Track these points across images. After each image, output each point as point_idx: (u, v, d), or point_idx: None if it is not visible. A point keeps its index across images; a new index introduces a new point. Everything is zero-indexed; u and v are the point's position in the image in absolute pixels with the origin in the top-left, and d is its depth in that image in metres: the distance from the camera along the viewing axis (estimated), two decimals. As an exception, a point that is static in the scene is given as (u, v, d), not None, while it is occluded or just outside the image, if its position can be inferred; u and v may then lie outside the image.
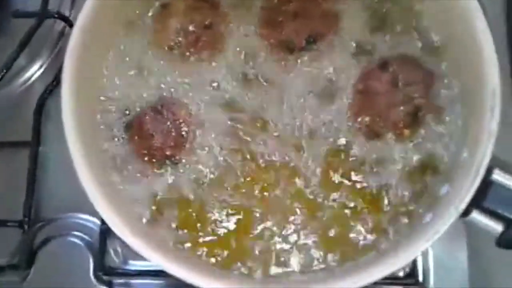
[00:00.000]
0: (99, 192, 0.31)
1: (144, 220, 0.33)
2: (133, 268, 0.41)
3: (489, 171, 0.28)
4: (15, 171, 0.43)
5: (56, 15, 0.43)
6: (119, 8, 0.35)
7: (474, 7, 0.30)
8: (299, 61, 0.35)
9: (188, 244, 0.33)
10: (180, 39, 0.36)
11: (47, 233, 0.42)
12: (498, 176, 0.29)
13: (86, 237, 0.42)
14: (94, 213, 0.41)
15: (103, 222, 0.40)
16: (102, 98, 0.35)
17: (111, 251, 0.41)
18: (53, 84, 0.44)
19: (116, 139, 0.35)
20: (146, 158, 0.34)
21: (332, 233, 0.33)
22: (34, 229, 0.42)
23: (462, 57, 0.31)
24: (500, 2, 0.44)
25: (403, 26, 0.34)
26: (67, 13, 0.46)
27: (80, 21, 0.32)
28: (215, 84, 0.35)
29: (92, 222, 0.42)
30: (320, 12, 0.36)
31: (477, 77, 0.29)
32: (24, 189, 0.42)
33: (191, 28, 0.36)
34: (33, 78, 0.46)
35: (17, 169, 0.43)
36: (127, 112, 0.35)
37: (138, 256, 0.40)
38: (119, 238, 0.40)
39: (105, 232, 0.40)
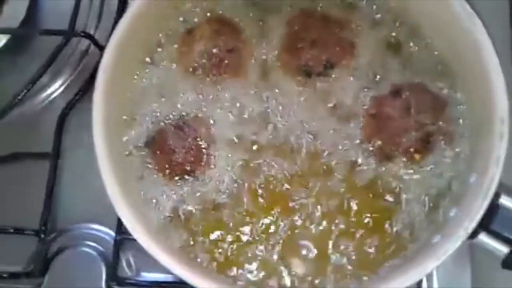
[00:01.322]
0: (122, 200, 0.32)
1: (159, 222, 0.35)
2: (145, 279, 0.42)
3: (496, 195, 0.30)
4: (33, 181, 0.44)
5: (83, 34, 0.45)
6: (149, 30, 0.37)
7: (484, 39, 0.32)
8: (316, 85, 0.37)
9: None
10: (203, 61, 0.38)
11: (61, 243, 0.43)
12: (504, 200, 0.30)
13: (99, 247, 0.43)
14: (108, 224, 0.43)
15: (117, 233, 0.42)
16: (128, 114, 0.37)
17: (124, 262, 0.42)
18: (75, 100, 0.46)
19: (139, 152, 0.36)
20: (167, 172, 0.36)
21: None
22: (49, 238, 0.43)
23: (473, 86, 0.33)
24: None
25: (417, 56, 0.36)
26: (91, 32, 0.47)
27: (115, 39, 0.34)
28: (235, 104, 0.37)
29: (106, 233, 0.43)
30: (336, 40, 0.38)
31: (486, 105, 0.31)
32: (41, 199, 0.43)
33: (214, 51, 0.38)
34: (55, 94, 0.47)
35: (36, 179, 0.44)
36: (150, 127, 0.37)
37: (151, 268, 0.42)
38: (132, 249, 0.42)
39: (119, 243, 0.42)
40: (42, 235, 0.42)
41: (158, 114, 0.37)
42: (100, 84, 0.33)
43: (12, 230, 0.43)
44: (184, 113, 0.37)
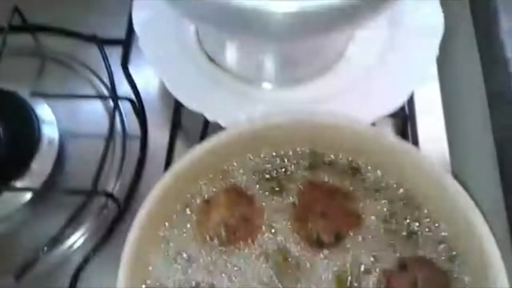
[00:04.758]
0: None
1: None
2: None
3: None
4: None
5: (105, 194, 0.48)
6: (170, 202, 0.40)
7: (480, 222, 0.35)
8: (327, 255, 0.39)
9: None
10: (220, 229, 0.40)
11: None
12: None
13: None
14: None
15: None
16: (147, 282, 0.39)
17: None
18: (91, 254, 0.48)
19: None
20: None
21: None
22: None
23: (475, 264, 0.36)
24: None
25: (422, 237, 0.39)
26: (110, 188, 0.51)
27: (146, 207, 0.36)
28: (249, 271, 0.39)
29: None
30: (344, 212, 0.41)
31: (487, 278, 0.33)
32: None
33: (230, 220, 0.40)
34: (73, 247, 0.49)
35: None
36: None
37: None
38: None
39: None
40: None
41: (174, 280, 0.39)
42: (125, 259, 0.36)
43: None
44: (200, 278, 0.39)
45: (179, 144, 0.53)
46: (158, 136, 0.53)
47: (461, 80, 0.54)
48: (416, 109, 0.51)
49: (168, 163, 0.50)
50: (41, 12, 0.60)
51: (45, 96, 0.52)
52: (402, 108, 0.49)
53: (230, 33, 0.40)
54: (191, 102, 0.47)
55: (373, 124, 0.46)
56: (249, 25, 0.33)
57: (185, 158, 0.39)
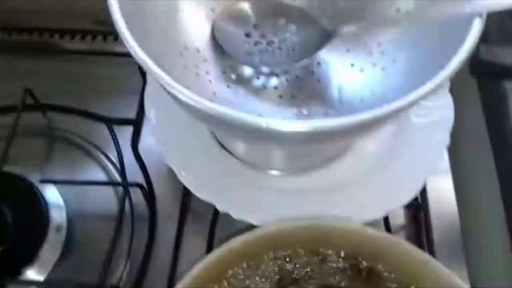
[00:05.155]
0: None
1: None
2: None
3: None
4: None
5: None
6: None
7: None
8: None
9: None
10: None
11: None
12: None
13: None
14: None
15: None
16: None
17: None
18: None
19: None
20: None
21: None
22: None
23: None
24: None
25: None
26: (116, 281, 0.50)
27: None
28: None
29: None
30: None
31: None
32: None
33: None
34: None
35: None
36: None
37: None
38: None
39: None
40: None
41: None
42: None
43: None
44: None
45: (188, 229, 0.52)
46: (167, 219, 0.53)
47: (472, 165, 0.54)
48: (428, 197, 0.51)
49: (175, 256, 0.49)
50: (53, 92, 0.60)
51: (54, 182, 0.52)
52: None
53: (242, 139, 0.40)
54: (202, 192, 0.46)
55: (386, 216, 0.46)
56: (261, 137, 0.33)
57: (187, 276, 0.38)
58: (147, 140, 0.57)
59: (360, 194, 0.46)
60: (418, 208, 0.50)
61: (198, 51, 0.46)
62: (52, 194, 0.53)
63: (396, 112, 0.30)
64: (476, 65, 0.53)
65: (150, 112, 0.50)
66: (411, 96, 0.30)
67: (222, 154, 0.49)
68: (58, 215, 0.51)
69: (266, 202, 0.46)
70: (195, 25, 0.46)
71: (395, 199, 0.45)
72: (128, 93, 0.60)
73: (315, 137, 0.33)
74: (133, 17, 0.36)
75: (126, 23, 0.33)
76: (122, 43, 0.32)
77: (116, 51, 0.63)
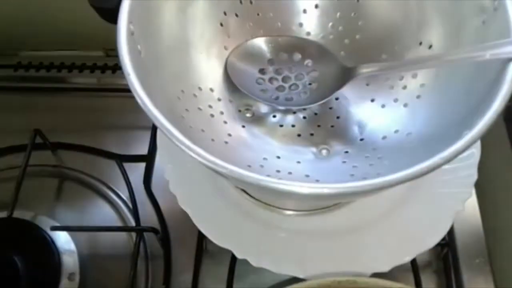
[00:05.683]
0: None
1: None
2: None
3: None
4: None
5: None
6: None
7: None
8: None
9: None
10: None
11: None
12: None
13: None
14: None
15: None
16: None
17: None
18: None
19: None
20: None
21: None
22: None
23: None
24: None
25: None
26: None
27: None
28: None
29: None
30: None
31: None
32: None
33: None
34: None
35: None
36: None
37: None
38: None
39: None
40: None
41: None
42: None
43: None
44: None
45: (205, 272, 0.50)
46: (183, 261, 0.51)
47: (499, 197, 0.52)
48: (456, 234, 0.48)
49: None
50: (61, 128, 0.59)
51: (66, 228, 0.50)
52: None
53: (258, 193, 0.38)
54: (219, 239, 0.44)
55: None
56: (276, 195, 0.32)
57: None
58: (160, 172, 0.54)
59: (386, 235, 0.44)
60: (445, 245, 0.48)
61: (211, 90, 0.44)
62: (63, 239, 0.51)
63: (426, 174, 0.28)
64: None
65: (164, 157, 0.48)
66: (444, 154, 0.28)
67: (238, 195, 0.47)
68: (70, 262, 0.49)
69: (287, 247, 0.44)
70: (208, 63, 0.44)
71: (424, 241, 0.43)
72: (139, 129, 0.58)
73: (339, 197, 0.31)
74: (144, 60, 0.34)
75: (136, 68, 0.32)
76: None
77: (125, 84, 0.61)
